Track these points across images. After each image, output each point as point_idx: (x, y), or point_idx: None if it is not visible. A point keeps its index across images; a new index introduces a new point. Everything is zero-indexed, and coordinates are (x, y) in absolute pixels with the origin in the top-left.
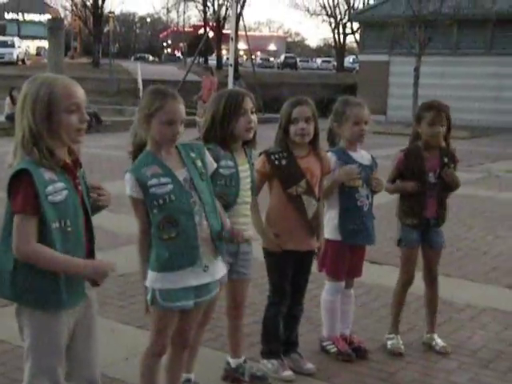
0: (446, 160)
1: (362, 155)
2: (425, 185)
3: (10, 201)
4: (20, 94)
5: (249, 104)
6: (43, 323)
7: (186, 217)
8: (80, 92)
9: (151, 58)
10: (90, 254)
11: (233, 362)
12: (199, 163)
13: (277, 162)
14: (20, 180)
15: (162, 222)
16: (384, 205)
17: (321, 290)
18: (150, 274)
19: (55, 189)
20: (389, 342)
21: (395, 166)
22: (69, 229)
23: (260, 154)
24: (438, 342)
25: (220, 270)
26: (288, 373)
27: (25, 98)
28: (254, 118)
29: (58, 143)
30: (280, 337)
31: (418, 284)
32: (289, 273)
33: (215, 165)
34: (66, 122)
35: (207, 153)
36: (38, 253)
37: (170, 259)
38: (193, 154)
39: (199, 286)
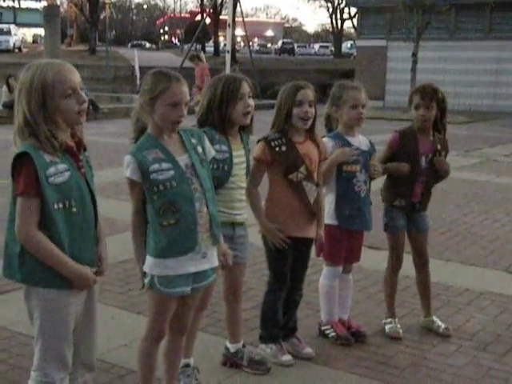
0: (438, 147)
1: (359, 140)
2: (418, 168)
3: (13, 185)
4: (18, 84)
5: (246, 89)
6: (52, 304)
7: (186, 203)
8: (74, 75)
9: (148, 44)
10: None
11: (232, 347)
12: (200, 149)
13: (277, 149)
14: (21, 163)
15: (162, 208)
16: (379, 189)
17: (319, 275)
18: (149, 260)
19: (57, 170)
20: (387, 327)
21: (388, 145)
22: (73, 209)
23: (258, 141)
24: (440, 324)
25: (214, 257)
26: (287, 357)
27: (20, 88)
28: (251, 102)
29: (58, 128)
30: (279, 322)
31: (414, 268)
32: (289, 259)
33: (213, 152)
34: (64, 106)
35: (207, 139)
36: (36, 240)
37: (169, 245)
38: (194, 140)
39: (197, 273)
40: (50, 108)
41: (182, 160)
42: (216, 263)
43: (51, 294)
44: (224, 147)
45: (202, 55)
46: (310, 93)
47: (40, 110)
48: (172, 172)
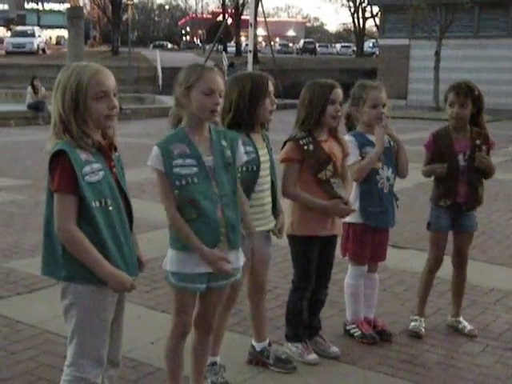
0: (478, 142)
1: None
2: (456, 167)
3: (50, 182)
4: (55, 83)
5: (271, 86)
6: (91, 302)
7: (206, 200)
8: (108, 79)
9: (170, 45)
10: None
11: (257, 346)
12: (228, 153)
13: (306, 148)
14: (57, 160)
15: (183, 202)
16: (407, 189)
17: (344, 274)
18: (169, 253)
19: (92, 169)
20: (411, 324)
21: (425, 149)
22: (110, 208)
23: (286, 142)
24: (466, 324)
25: (236, 260)
26: (313, 356)
27: (57, 87)
28: (275, 100)
29: (89, 128)
30: (304, 321)
31: (444, 267)
32: (315, 258)
33: (245, 158)
34: (95, 109)
35: (241, 145)
36: (76, 238)
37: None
38: (224, 143)
39: (212, 272)
40: (81, 108)
41: (208, 161)
42: (236, 265)
43: (90, 291)
44: (249, 148)
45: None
46: (341, 92)
47: (72, 109)
48: (195, 169)
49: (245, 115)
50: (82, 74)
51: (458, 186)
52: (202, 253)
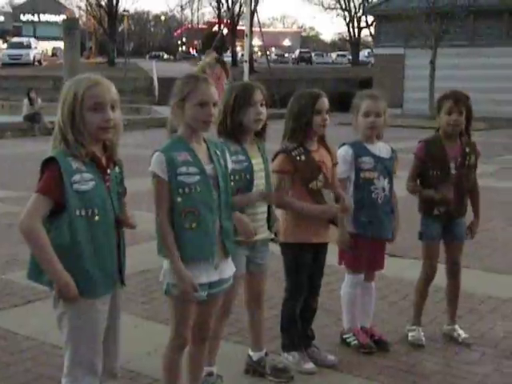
0: (467, 150)
1: (379, 147)
2: (448, 174)
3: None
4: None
5: (259, 96)
6: (80, 311)
7: (206, 210)
8: (106, 92)
9: (166, 56)
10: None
11: (254, 356)
12: (222, 162)
13: (298, 158)
14: (47, 167)
15: (185, 210)
16: (403, 199)
17: (340, 283)
18: (165, 265)
19: (82, 178)
20: (410, 334)
21: (415, 157)
22: (96, 217)
23: (277, 154)
24: (460, 332)
25: (229, 269)
26: (310, 365)
27: (60, 98)
28: (263, 110)
29: (85, 139)
30: (299, 329)
31: (438, 276)
32: (307, 265)
33: (231, 166)
34: (89, 119)
35: (227, 153)
36: (34, 233)
37: (189, 249)
38: (218, 152)
39: (211, 282)
40: (77, 119)
41: (208, 169)
42: (228, 274)
43: (79, 300)
44: (241, 157)
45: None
46: (326, 101)
47: (69, 119)
48: (198, 177)
49: (228, 124)
50: (80, 86)
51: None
52: (178, 270)
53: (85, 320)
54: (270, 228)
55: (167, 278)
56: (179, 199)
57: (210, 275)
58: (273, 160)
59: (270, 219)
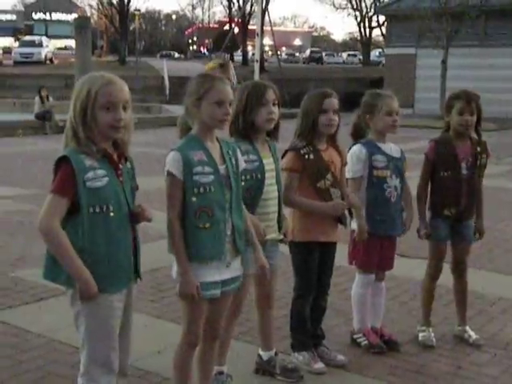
0: (478, 149)
1: (390, 147)
2: (459, 174)
3: (51, 185)
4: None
5: (271, 95)
6: (97, 308)
7: (219, 210)
8: (119, 91)
9: (177, 55)
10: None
11: (264, 355)
12: (234, 162)
13: (306, 157)
14: (60, 166)
15: (199, 210)
16: (413, 199)
17: (351, 283)
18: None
19: (96, 175)
20: (420, 335)
21: (425, 157)
22: (111, 214)
23: (286, 152)
24: (471, 334)
25: (240, 267)
26: (320, 365)
27: (73, 94)
28: (275, 109)
29: (95, 136)
30: (309, 329)
31: (449, 276)
32: (315, 264)
33: (244, 164)
34: (100, 118)
35: (239, 152)
36: (53, 232)
37: (202, 249)
38: (230, 152)
39: (223, 280)
40: (89, 116)
41: (222, 169)
42: (239, 272)
43: (96, 298)
44: (253, 156)
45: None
46: (335, 101)
47: (80, 116)
48: (212, 177)
49: (240, 123)
50: (94, 84)
51: (461, 194)
52: (184, 272)
53: (101, 317)
54: (280, 228)
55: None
56: (194, 199)
57: (222, 273)
58: (282, 157)
59: (280, 219)
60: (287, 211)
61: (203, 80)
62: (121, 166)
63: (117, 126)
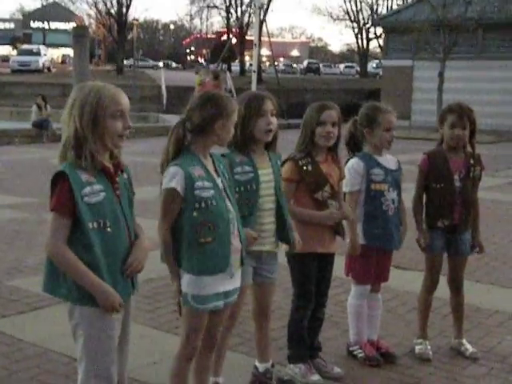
0: (471, 161)
1: (387, 159)
2: (452, 186)
3: (50, 202)
4: (68, 101)
5: (269, 106)
6: (97, 322)
7: (223, 223)
8: (125, 100)
9: (174, 64)
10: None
11: (260, 367)
12: (226, 175)
13: (304, 168)
14: (57, 182)
15: (200, 225)
16: (409, 210)
17: (347, 294)
18: (185, 277)
19: (92, 190)
20: (417, 348)
21: (419, 169)
22: (108, 229)
23: (285, 161)
24: (468, 347)
25: (240, 278)
26: (316, 377)
27: (73, 104)
28: (273, 120)
29: (101, 147)
30: (306, 341)
31: (446, 289)
32: (313, 276)
33: (237, 177)
34: (111, 127)
35: (227, 167)
36: (60, 253)
37: (204, 263)
38: (221, 166)
39: (226, 291)
40: (99, 126)
41: (219, 182)
42: (239, 283)
43: (95, 311)
44: (247, 167)
45: (222, 75)
46: (334, 113)
47: (90, 125)
48: (212, 191)
49: (239, 134)
50: (102, 93)
51: (454, 206)
52: (178, 285)
53: (101, 330)
54: (284, 240)
55: (184, 288)
56: (195, 213)
57: (225, 284)
58: (281, 166)
59: (283, 231)
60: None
61: (226, 101)
62: (117, 178)
63: (125, 134)
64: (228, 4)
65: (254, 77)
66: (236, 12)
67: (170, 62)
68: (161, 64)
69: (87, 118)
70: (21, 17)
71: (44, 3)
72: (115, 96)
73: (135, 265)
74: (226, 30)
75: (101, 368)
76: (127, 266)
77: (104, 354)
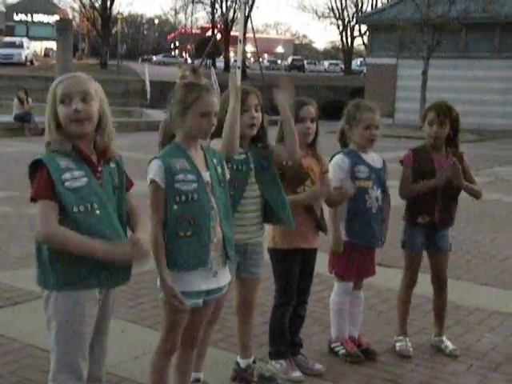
0: (453, 160)
1: (372, 157)
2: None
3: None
4: None
5: (253, 101)
6: (68, 314)
7: (203, 218)
8: (77, 84)
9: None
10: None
11: (242, 363)
12: (219, 170)
13: (284, 163)
14: (35, 170)
15: (180, 218)
16: (394, 208)
17: (329, 291)
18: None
19: (73, 176)
20: (397, 344)
21: (404, 165)
22: (97, 211)
23: None
24: (448, 344)
25: (226, 277)
26: (297, 373)
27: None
28: (257, 114)
29: (66, 134)
30: (287, 337)
31: (428, 287)
32: (296, 272)
33: (228, 176)
34: (60, 112)
35: (224, 162)
36: (55, 234)
37: (182, 257)
38: (214, 160)
39: (209, 289)
40: (55, 113)
41: (205, 176)
42: (225, 282)
43: (70, 297)
44: (242, 155)
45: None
46: (312, 109)
47: (51, 115)
48: (195, 185)
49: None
50: (58, 82)
51: (435, 202)
52: (163, 280)
53: (72, 323)
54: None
55: None
56: (175, 207)
57: (208, 283)
58: None
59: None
60: None
61: (190, 90)
62: (100, 168)
63: (76, 118)
64: None
65: (239, 73)
66: (221, 7)
67: (153, 57)
68: (139, 61)
69: (48, 109)
70: (3, 9)
71: None
72: (64, 82)
73: (140, 243)
74: (210, 25)
75: (69, 361)
76: (133, 240)
77: (74, 347)
